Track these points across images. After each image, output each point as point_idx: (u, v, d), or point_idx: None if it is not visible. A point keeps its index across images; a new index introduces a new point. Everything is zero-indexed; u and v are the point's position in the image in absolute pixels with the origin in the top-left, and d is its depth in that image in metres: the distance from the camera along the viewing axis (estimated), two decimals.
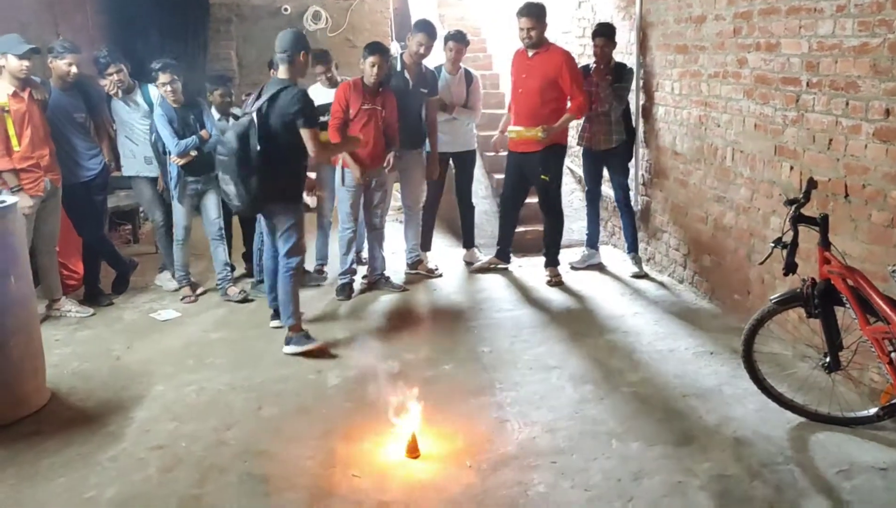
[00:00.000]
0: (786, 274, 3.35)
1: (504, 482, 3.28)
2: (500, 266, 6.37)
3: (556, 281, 5.96)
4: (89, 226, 5.68)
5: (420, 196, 6.34)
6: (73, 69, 5.20)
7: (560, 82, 5.62)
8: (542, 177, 5.82)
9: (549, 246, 6.11)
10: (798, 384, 3.89)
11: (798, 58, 4.19)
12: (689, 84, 5.42)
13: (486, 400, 4.05)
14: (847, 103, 3.84)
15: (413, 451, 3.51)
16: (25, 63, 4.79)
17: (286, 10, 8.89)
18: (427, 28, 5.86)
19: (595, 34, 6.01)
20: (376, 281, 5.97)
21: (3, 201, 3.99)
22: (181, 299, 5.80)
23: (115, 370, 4.62)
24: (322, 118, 5.21)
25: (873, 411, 3.50)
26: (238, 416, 3.96)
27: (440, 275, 6.28)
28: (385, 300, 5.74)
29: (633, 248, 6.17)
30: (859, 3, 3.70)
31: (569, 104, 5.68)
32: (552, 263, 6.08)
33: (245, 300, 5.76)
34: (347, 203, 5.70)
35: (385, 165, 5.74)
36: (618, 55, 6.49)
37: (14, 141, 4.83)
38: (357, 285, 5.94)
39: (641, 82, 6.15)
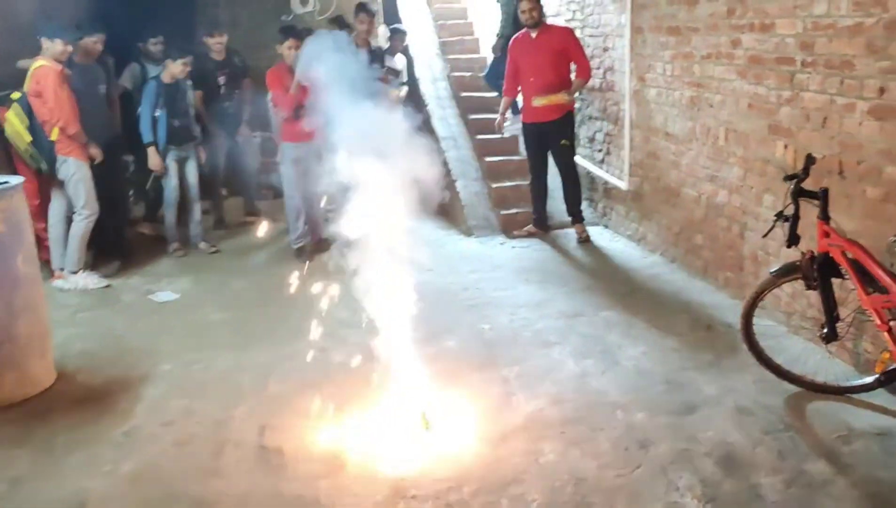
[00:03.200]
0: (789, 246, 3.45)
1: (515, 451, 3.37)
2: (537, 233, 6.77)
3: (585, 237, 6.53)
4: (113, 189, 6.16)
5: None
6: (99, 46, 5.89)
7: (567, 53, 6.35)
8: (563, 143, 6.46)
9: (574, 206, 6.63)
10: (794, 356, 4.01)
11: (793, 38, 4.29)
12: (681, 66, 5.51)
13: (491, 375, 4.13)
14: (842, 82, 3.94)
15: (423, 424, 3.58)
16: (70, 48, 5.38)
17: None
18: (365, 7, 6.86)
19: None
20: (319, 240, 6.42)
21: (5, 182, 3.98)
22: (172, 252, 6.48)
23: (119, 350, 4.64)
24: None
25: (870, 379, 3.63)
26: (246, 393, 4.01)
27: None
28: (375, 278, 5.77)
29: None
30: None
31: (573, 72, 6.38)
32: (579, 220, 6.62)
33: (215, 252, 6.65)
34: (291, 175, 6.18)
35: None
36: (609, 39, 6.59)
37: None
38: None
39: (633, 64, 6.24)
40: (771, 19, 4.47)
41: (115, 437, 3.59)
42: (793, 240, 3.42)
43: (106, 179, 5.86)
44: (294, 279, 5.80)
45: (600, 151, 7.09)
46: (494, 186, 7.24)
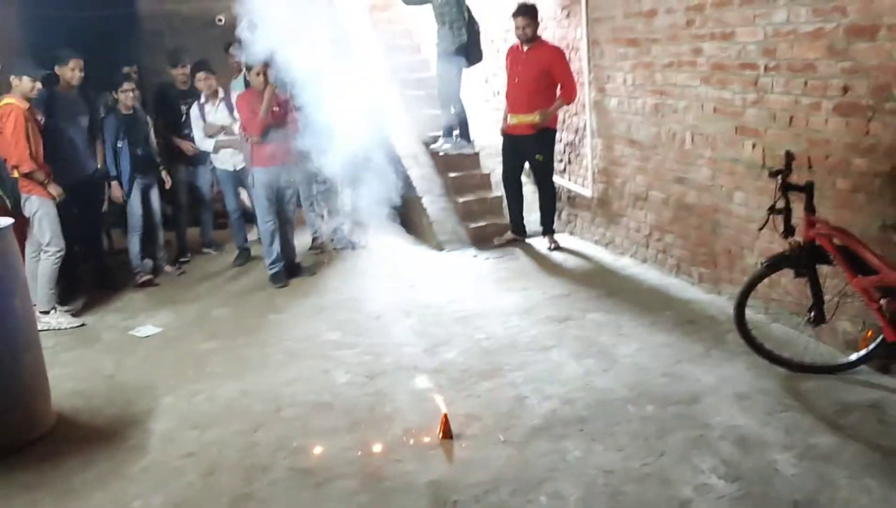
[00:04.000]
0: (785, 237, 3.69)
1: (541, 451, 3.48)
2: (517, 239, 6.97)
3: (556, 246, 6.72)
4: (91, 221, 6.34)
5: None
6: (77, 73, 5.83)
7: (553, 73, 6.36)
8: (537, 157, 6.59)
9: (547, 217, 6.83)
10: (781, 342, 4.26)
11: (755, 45, 4.58)
12: (642, 74, 5.77)
13: (498, 381, 4.24)
14: (806, 83, 4.23)
15: (446, 432, 3.65)
16: (38, 85, 5.32)
17: (220, 20, 8.80)
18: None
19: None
20: (291, 265, 6.55)
21: None
22: (140, 281, 6.48)
23: (113, 387, 4.56)
24: None
25: (855, 356, 3.89)
26: (260, 418, 4.00)
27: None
28: (356, 297, 5.84)
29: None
30: None
31: (558, 92, 6.43)
32: (550, 231, 6.82)
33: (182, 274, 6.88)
34: (263, 200, 6.27)
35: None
36: (566, 52, 6.83)
37: (33, 148, 5.35)
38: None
39: (591, 76, 6.49)
40: (731, 28, 4.75)
41: (133, 473, 3.54)
42: (788, 231, 3.66)
43: (83, 213, 5.79)
44: (275, 304, 5.85)
45: (561, 161, 7.31)
46: (460, 200, 7.38)
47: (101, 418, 4.15)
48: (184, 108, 6.91)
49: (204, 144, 6.81)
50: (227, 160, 6.84)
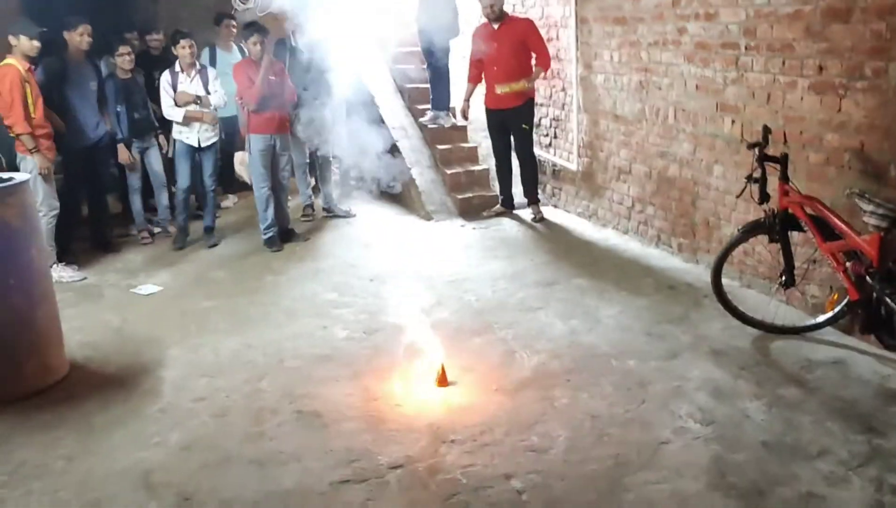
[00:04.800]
0: (760, 203, 3.98)
1: (531, 398, 3.75)
2: (505, 212, 7.24)
3: (540, 217, 6.98)
4: (96, 184, 6.46)
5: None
6: (86, 38, 5.95)
7: (528, 42, 6.71)
8: (524, 127, 6.86)
9: (530, 188, 7.08)
10: (753, 306, 4.56)
11: (736, 25, 4.83)
12: (628, 53, 6.02)
13: (489, 337, 4.50)
14: (783, 63, 4.50)
15: (443, 381, 3.91)
16: (36, 43, 5.39)
17: None
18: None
19: None
20: (284, 230, 6.75)
21: (11, 179, 4.05)
22: (140, 238, 6.80)
23: (120, 339, 4.76)
24: None
25: (822, 318, 4.20)
26: (264, 369, 4.23)
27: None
28: (350, 262, 6.07)
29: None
30: None
31: (534, 61, 6.73)
32: (535, 201, 7.07)
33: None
34: (259, 166, 6.45)
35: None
36: (554, 29, 7.05)
37: (31, 109, 5.43)
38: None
39: (579, 52, 6.72)
40: (715, 9, 5.00)
41: (151, 414, 3.76)
42: (763, 198, 3.95)
43: (90, 176, 6.04)
44: (272, 267, 6.05)
45: (546, 135, 7.56)
46: (449, 172, 7.60)
47: (112, 366, 4.35)
48: (155, 74, 6.90)
49: (172, 112, 6.54)
50: (191, 134, 6.60)
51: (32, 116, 5.49)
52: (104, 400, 3.92)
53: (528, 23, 6.86)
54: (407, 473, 3.17)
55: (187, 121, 6.54)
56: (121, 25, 7.35)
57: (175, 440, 3.51)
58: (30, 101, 5.45)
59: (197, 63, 6.68)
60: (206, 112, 6.58)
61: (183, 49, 6.50)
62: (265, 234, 6.55)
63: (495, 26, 6.72)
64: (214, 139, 6.69)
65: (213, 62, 7.38)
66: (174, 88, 6.55)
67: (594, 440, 3.37)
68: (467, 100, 7.12)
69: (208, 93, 6.59)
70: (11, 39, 5.46)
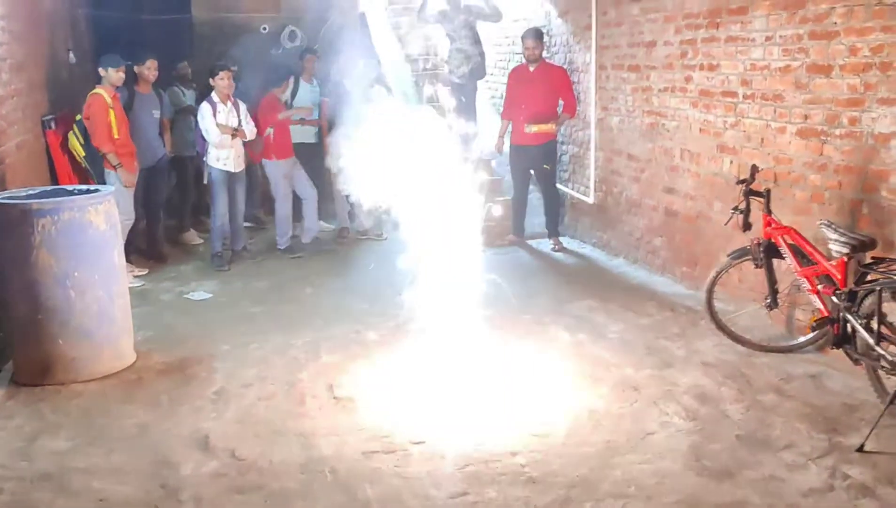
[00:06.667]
0: (744, 230, 4.53)
1: (537, 393, 4.29)
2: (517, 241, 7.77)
3: (559, 248, 7.53)
4: (154, 200, 7.21)
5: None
6: (154, 71, 6.75)
7: (559, 89, 7.27)
8: (545, 166, 7.44)
9: (553, 222, 7.70)
10: (743, 326, 5.06)
11: (735, 76, 5.41)
12: (641, 97, 6.61)
13: (504, 347, 5.05)
14: (775, 111, 5.06)
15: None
16: (122, 74, 6.20)
17: (265, 28, 9.69)
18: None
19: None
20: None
21: (97, 190, 4.73)
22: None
23: (177, 336, 5.37)
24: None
25: (802, 339, 4.70)
26: (304, 363, 4.82)
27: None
28: (378, 278, 6.62)
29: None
30: (783, 34, 4.93)
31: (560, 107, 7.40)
32: (555, 233, 7.66)
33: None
34: (281, 189, 7.34)
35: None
36: (575, 74, 7.67)
37: (115, 130, 6.20)
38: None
39: (597, 96, 7.33)
40: (717, 61, 5.59)
41: (208, 395, 4.36)
42: (746, 226, 4.50)
43: (149, 193, 6.83)
44: (311, 281, 6.64)
45: (565, 170, 8.15)
46: None
47: (171, 357, 4.95)
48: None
49: (220, 140, 6.82)
50: (228, 161, 6.92)
51: (116, 136, 6.22)
52: (167, 383, 4.53)
53: (562, 70, 7.52)
54: (427, 448, 3.71)
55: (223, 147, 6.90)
56: (178, 58, 8.17)
57: (229, 416, 4.09)
58: (113, 123, 6.22)
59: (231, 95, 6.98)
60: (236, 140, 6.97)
61: (222, 80, 6.81)
62: (282, 245, 7.49)
63: (531, 68, 7.33)
64: (242, 167, 7.13)
65: (295, 93, 7.91)
66: (215, 117, 6.80)
67: (590, 429, 3.90)
68: (502, 136, 7.69)
69: (241, 123, 6.96)
70: (101, 71, 6.30)
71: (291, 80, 7.72)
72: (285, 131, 7.41)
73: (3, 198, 4.53)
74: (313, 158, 7.71)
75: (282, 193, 7.33)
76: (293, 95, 7.87)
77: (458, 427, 3.90)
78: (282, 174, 7.31)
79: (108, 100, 6.20)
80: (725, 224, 4.75)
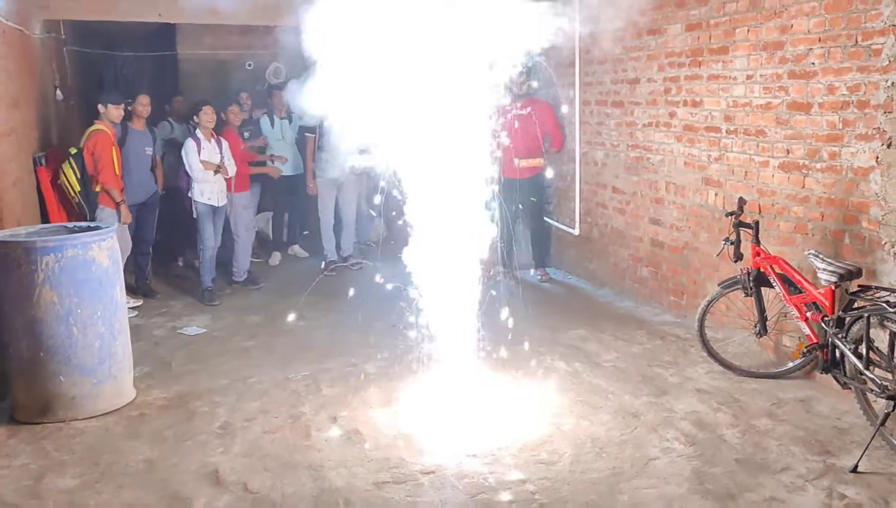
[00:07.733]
0: (735, 261, 4.69)
1: (540, 423, 4.37)
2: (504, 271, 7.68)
3: (546, 278, 7.76)
4: (143, 237, 7.11)
5: None
6: (147, 108, 6.81)
7: (546, 125, 7.53)
8: (532, 199, 7.64)
9: (538, 252, 7.91)
10: (733, 353, 5.22)
11: (718, 112, 5.63)
12: (625, 132, 6.82)
13: (502, 377, 5.14)
14: (758, 145, 5.27)
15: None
16: (121, 111, 6.30)
17: (250, 65, 9.82)
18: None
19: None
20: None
21: (98, 226, 4.77)
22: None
23: (175, 371, 5.37)
24: None
25: (791, 364, 4.86)
26: (305, 396, 4.86)
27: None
28: (370, 309, 6.70)
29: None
30: (763, 73, 5.16)
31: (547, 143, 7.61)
32: (542, 264, 7.87)
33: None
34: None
35: None
36: (558, 109, 7.88)
37: (116, 167, 6.30)
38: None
39: (581, 130, 7.54)
40: (700, 97, 5.82)
41: (213, 430, 4.38)
42: (737, 257, 4.66)
43: (138, 229, 6.88)
44: (303, 314, 6.67)
45: (549, 203, 8.32)
46: None
47: (171, 393, 4.96)
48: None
49: (203, 176, 6.90)
50: (213, 195, 7.01)
51: (117, 173, 6.31)
52: (170, 419, 4.54)
53: (550, 107, 7.77)
54: (438, 477, 3.78)
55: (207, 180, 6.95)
56: (168, 94, 8.29)
57: (237, 449, 4.12)
58: (115, 160, 6.29)
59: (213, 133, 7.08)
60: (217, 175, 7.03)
61: (206, 115, 6.90)
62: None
63: (519, 104, 7.48)
64: (225, 201, 7.19)
65: (271, 126, 8.29)
66: (198, 153, 6.87)
67: (594, 455, 3.99)
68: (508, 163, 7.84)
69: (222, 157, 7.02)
70: (101, 108, 6.38)
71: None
72: (243, 165, 7.53)
73: (4, 236, 4.55)
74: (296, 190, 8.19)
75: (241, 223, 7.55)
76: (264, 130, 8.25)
77: (465, 456, 3.97)
78: (241, 206, 7.51)
79: (111, 135, 6.30)
80: (717, 255, 4.93)
